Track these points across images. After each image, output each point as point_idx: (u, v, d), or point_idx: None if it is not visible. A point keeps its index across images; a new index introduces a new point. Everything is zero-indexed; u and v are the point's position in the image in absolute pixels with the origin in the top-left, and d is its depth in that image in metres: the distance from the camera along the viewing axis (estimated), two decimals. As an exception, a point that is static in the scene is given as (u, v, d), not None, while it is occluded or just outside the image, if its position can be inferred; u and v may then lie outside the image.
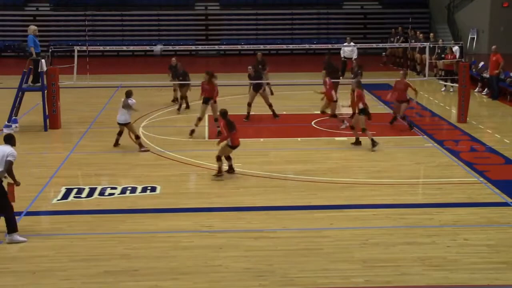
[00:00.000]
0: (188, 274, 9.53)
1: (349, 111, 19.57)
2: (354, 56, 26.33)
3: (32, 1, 38.06)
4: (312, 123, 18.75)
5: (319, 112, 18.66)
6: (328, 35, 37.38)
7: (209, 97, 17.52)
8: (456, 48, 25.32)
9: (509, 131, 18.46)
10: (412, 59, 29.65)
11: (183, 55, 32.67)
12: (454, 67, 24.27)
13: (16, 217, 10.99)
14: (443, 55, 25.22)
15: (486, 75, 24.28)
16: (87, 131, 18.53)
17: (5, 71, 30.04)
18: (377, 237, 10.83)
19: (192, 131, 17.64)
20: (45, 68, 18.53)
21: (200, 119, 17.64)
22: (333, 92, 18.22)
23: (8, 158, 10.50)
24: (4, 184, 10.54)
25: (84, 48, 22.96)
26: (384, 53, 33.25)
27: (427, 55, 22.74)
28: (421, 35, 28.65)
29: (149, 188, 13.41)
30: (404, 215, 11.87)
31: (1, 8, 37.12)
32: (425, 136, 17.75)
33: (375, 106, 21.85)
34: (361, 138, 16.59)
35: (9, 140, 10.86)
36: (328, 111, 18.32)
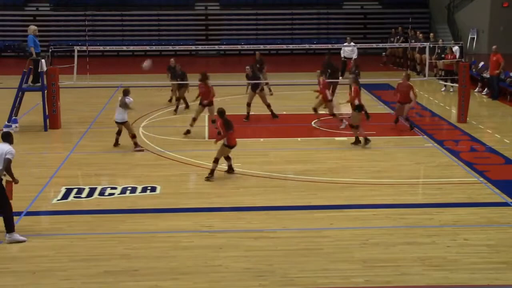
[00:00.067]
0: (188, 274, 9.53)
1: (348, 110, 19.55)
2: (354, 56, 26.35)
3: (32, 1, 38.05)
4: (312, 123, 18.75)
5: (314, 110, 18.69)
6: (328, 35, 37.37)
7: (205, 99, 17.50)
8: (456, 48, 25.31)
9: (509, 131, 18.46)
10: (412, 59, 29.64)
11: (183, 55, 32.69)
12: (454, 67, 24.27)
13: (16, 217, 11.03)
14: (443, 55, 25.22)
15: (486, 75, 24.28)
16: (87, 131, 18.53)
17: (5, 71, 30.03)
18: (377, 237, 10.83)
19: (187, 132, 17.68)
20: (45, 68, 18.53)
21: (194, 119, 17.68)
22: (327, 92, 18.25)
23: (7, 156, 10.51)
24: (3, 182, 10.55)
25: (84, 48, 22.96)
26: (384, 53, 33.23)
27: (427, 55, 22.76)
28: (421, 35, 28.65)
29: (149, 188, 13.41)
30: (404, 215, 11.88)
31: (1, 8, 37.10)
32: (425, 136, 17.75)
33: (375, 106, 21.87)
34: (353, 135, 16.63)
35: (7, 138, 10.86)
36: (321, 111, 18.36)
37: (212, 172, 13.86)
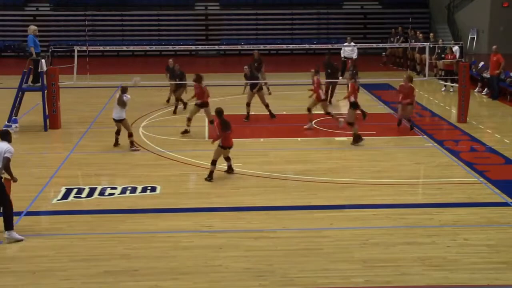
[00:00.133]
0: (188, 274, 9.53)
1: (345, 108, 19.50)
2: (354, 56, 26.35)
3: (32, 1, 38.04)
4: (312, 123, 18.74)
5: (308, 111, 18.68)
6: (328, 35, 37.36)
7: (200, 100, 17.49)
8: (456, 48, 25.30)
9: (509, 131, 18.46)
10: (412, 59, 29.64)
11: (183, 55, 32.71)
12: (454, 67, 24.26)
13: (16, 217, 11.03)
14: (443, 55, 25.21)
15: (486, 75, 24.28)
16: (87, 131, 18.53)
17: (5, 71, 30.03)
18: (377, 237, 10.83)
19: (185, 131, 17.71)
20: (45, 68, 18.53)
21: (189, 119, 17.72)
22: (320, 91, 18.26)
23: (6, 155, 10.51)
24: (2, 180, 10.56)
25: (84, 48, 22.95)
26: (384, 53, 33.23)
27: (427, 55, 22.75)
28: (421, 35, 28.63)
29: (149, 188, 13.41)
30: (404, 215, 11.88)
31: (1, 8, 37.09)
32: (425, 136, 17.74)
33: (375, 106, 21.88)
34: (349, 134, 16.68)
35: (5, 136, 10.85)
36: (316, 111, 18.38)
37: (210, 174, 13.85)
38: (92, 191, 13.16)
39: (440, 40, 27.39)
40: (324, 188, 13.44)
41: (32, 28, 19.12)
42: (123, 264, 9.83)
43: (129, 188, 13.38)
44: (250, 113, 19.67)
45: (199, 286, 9.21)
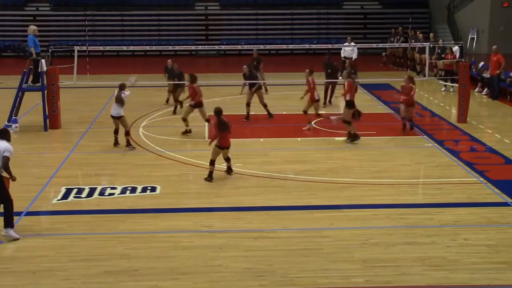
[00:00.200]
0: (188, 274, 9.53)
1: (341, 107, 19.45)
2: (354, 56, 26.34)
3: (32, 1, 38.05)
4: (312, 123, 18.73)
5: (304, 113, 18.64)
6: (328, 35, 37.37)
7: (194, 101, 17.43)
8: (456, 48, 25.31)
9: (509, 131, 18.46)
10: (412, 59, 29.64)
11: (183, 55, 32.71)
12: (454, 67, 24.27)
13: (16, 217, 11.03)
14: (443, 55, 25.22)
15: (486, 75, 24.28)
16: (87, 131, 18.53)
17: (5, 71, 30.04)
18: (377, 237, 10.83)
19: (185, 131, 17.72)
20: (45, 68, 18.53)
21: (184, 119, 17.72)
22: (315, 92, 18.23)
23: (5, 154, 10.52)
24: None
25: (84, 48, 22.95)
26: (384, 53, 33.23)
27: (427, 55, 22.75)
28: (421, 35, 28.64)
29: (149, 188, 13.41)
30: (404, 215, 11.88)
31: (1, 8, 37.10)
32: (425, 136, 17.74)
33: (375, 106, 21.88)
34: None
35: (5, 135, 10.85)
36: (311, 111, 18.37)
37: (210, 174, 13.85)
38: (92, 191, 13.16)
39: (440, 40, 27.40)
40: (324, 188, 13.43)
41: (32, 28, 19.12)
42: (123, 264, 9.83)
43: (129, 188, 13.38)
44: (250, 113, 19.67)
45: (199, 286, 9.21)
